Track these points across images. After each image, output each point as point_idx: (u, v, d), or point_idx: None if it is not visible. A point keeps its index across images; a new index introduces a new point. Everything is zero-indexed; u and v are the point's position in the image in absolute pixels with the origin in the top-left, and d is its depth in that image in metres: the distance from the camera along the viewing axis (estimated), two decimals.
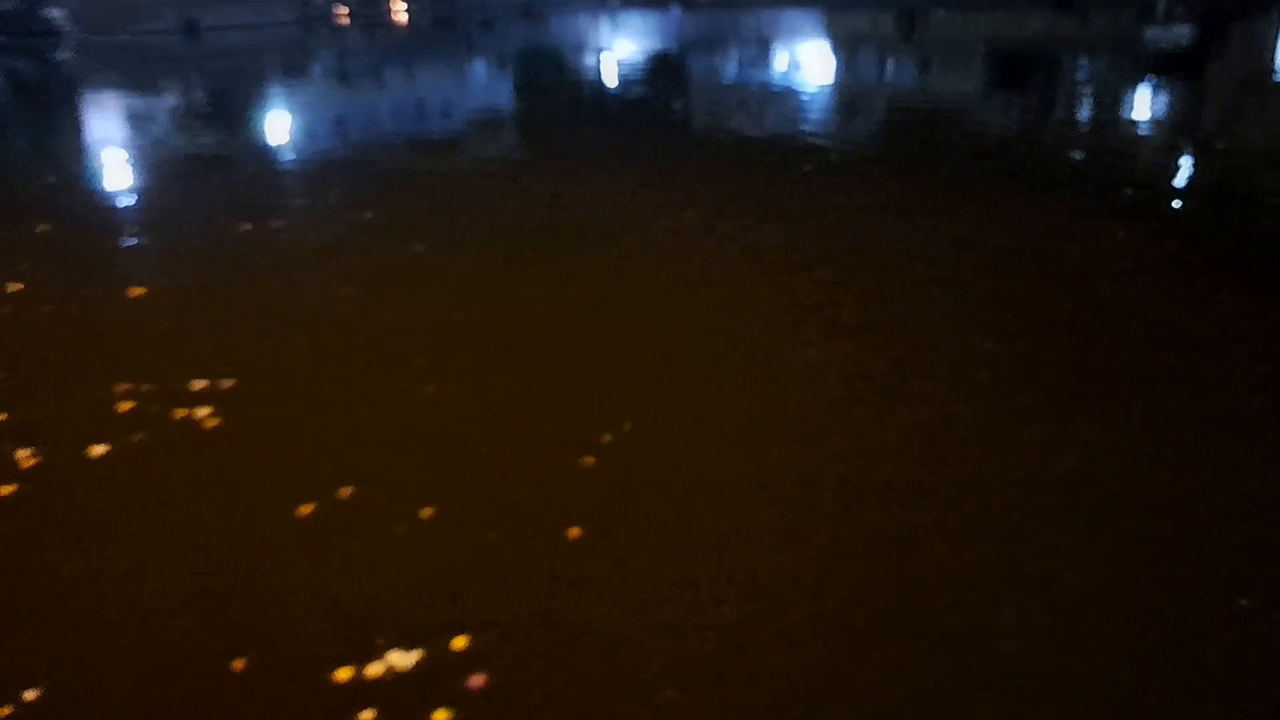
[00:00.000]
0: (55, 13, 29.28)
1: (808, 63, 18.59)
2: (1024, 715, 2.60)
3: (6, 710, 2.71)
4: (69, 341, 5.46)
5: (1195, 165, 8.78)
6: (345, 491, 3.79)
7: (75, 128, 14.71)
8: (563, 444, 4.09)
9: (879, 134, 11.55)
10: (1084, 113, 12.15)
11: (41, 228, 7.73)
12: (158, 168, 10.76)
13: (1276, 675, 2.70)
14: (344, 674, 2.82)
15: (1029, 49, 19.42)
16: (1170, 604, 2.99)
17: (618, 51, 23.64)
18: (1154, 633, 2.87)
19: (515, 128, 14.01)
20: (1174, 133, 10.41)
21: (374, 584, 3.25)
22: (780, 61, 18.98)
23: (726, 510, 3.58)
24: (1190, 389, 4.38)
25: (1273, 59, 15.74)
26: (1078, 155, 9.48)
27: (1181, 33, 20.30)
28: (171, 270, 6.70)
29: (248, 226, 7.72)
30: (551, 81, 19.32)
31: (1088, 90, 13.98)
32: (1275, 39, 18.56)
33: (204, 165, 10.80)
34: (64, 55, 25.57)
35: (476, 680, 2.78)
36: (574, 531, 3.46)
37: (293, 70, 21.60)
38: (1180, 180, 8.33)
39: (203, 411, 4.49)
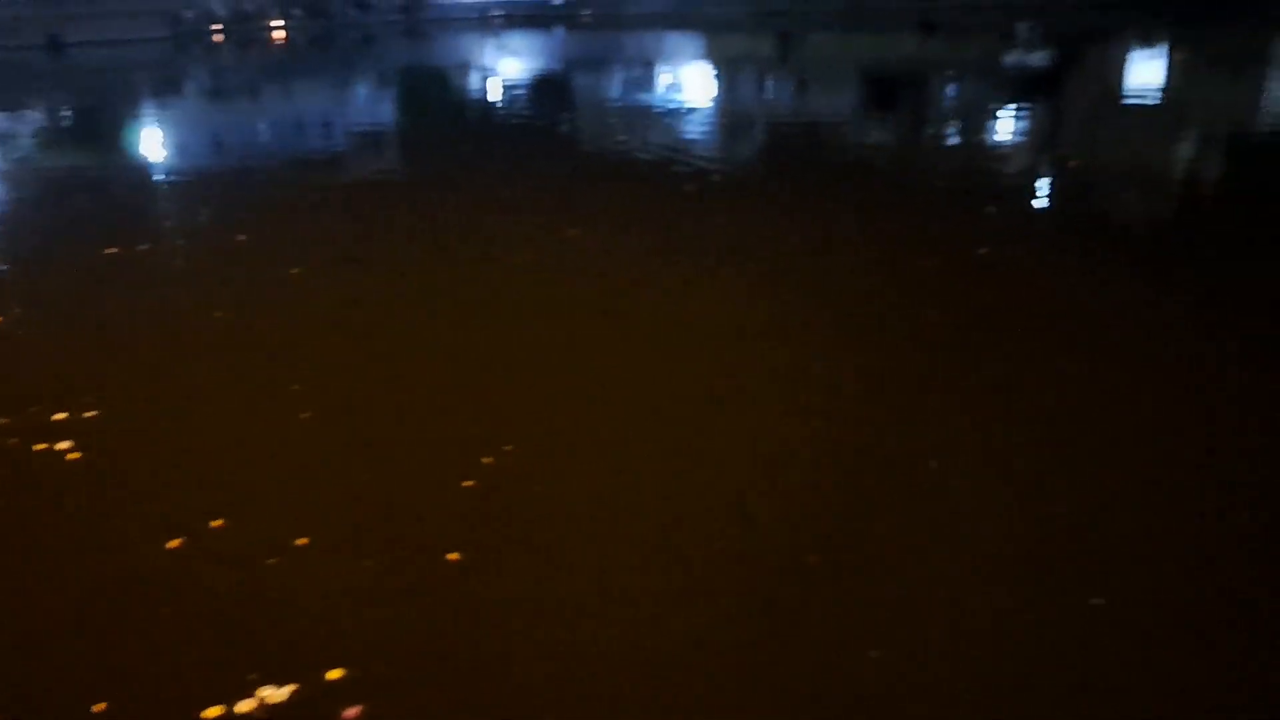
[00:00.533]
0: None
1: (688, 83, 18.87)
2: None
3: None
4: None
5: (1051, 182, 9.23)
6: (216, 523, 3.69)
7: None
8: (443, 466, 4.07)
9: (756, 151, 11.80)
10: (949, 132, 12.66)
11: None
12: (18, 189, 10.31)
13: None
14: (213, 712, 2.75)
15: (898, 71, 20.13)
16: (1022, 604, 3.13)
17: (500, 70, 23.61)
18: (1007, 633, 3.01)
19: (396, 146, 13.85)
20: (1032, 151, 10.92)
21: (245, 617, 3.18)
22: (661, 82, 19.24)
23: (604, 531, 3.61)
24: (1041, 392, 4.57)
25: (1122, 81, 16.68)
26: (942, 171, 9.86)
27: (1041, 57, 21.33)
28: (31, 297, 6.44)
29: (113, 250, 7.46)
30: (433, 100, 19.17)
31: (952, 110, 14.57)
32: (1125, 62, 19.67)
33: (68, 186, 10.38)
34: None
35: (351, 713, 2.75)
36: (453, 555, 3.44)
37: (164, 88, 20.94)
38: (1036, 196, 8.75)
39: (64, 444, 4.32)
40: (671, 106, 15.27)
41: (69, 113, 17.40)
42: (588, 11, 39.29)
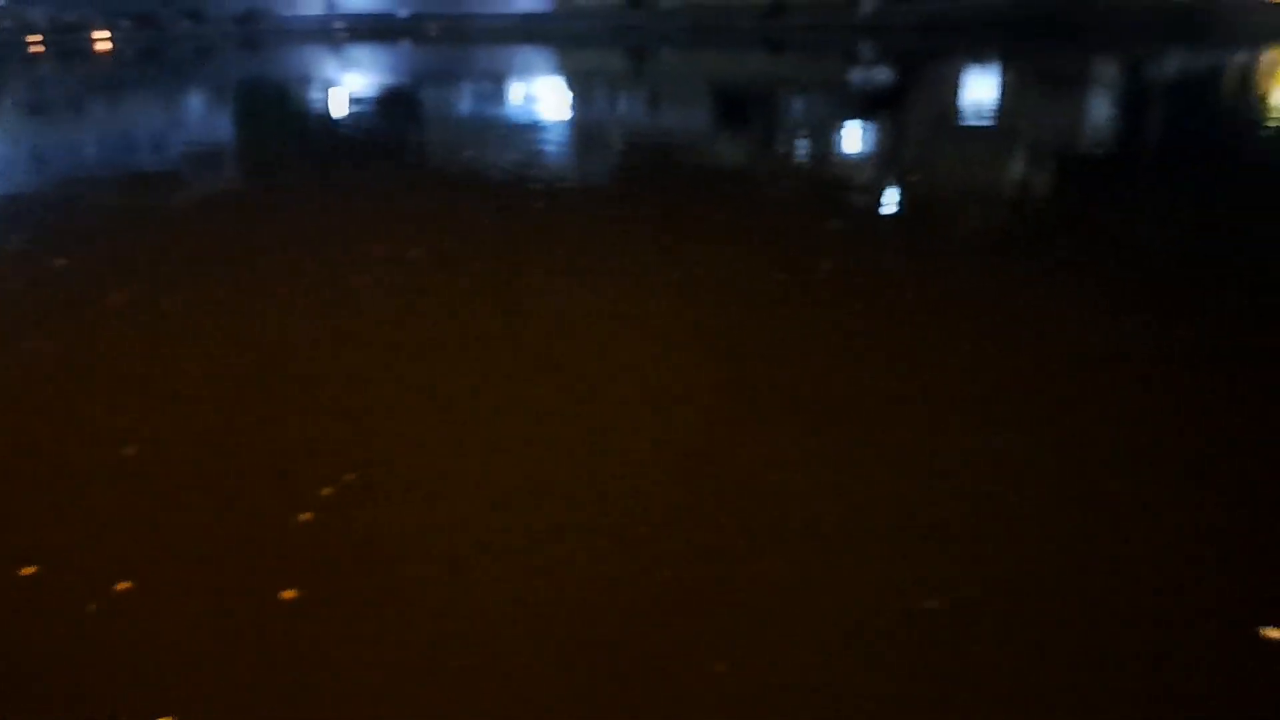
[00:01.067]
0: None
1: (539, 98, 18.83)
2: None
3: None
4: None
5: (896, 195, 9.55)
6: (28, 570, 3.41)
7: None
8: (277, 500, 3.87)
9: (606, 167, 11.83)
10: (794, 147, 12.99)
11: None
12: None
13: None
14: None
15: (746, 87, 20.60)
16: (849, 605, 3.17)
17: (342, 84, 23.03)
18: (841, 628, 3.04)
19: (232, 162, 13.31)
20: (874, 165, 11.31)
21: (64, 668, 2.93)
22: (511, 96, 19.12)
23: (450, 560, 3.48)
24: (889, 403, 4.69)
25: (958, 99, 17.50)
26: (788, 186, 10.09)
27: (882, 75, 22.20)
28: None
29: None
30: (272, 116, 18.53)
31: (798, 126, 14.99)
32: (959, 81, 20.67)
33: None
34: None
35: None
36: (288, 594, 3.27)
37: None
38: (879, 208, 9.03)
39: None
40: (522, 121, 15.18)
41: None
42: (434, 25, 38.83)
